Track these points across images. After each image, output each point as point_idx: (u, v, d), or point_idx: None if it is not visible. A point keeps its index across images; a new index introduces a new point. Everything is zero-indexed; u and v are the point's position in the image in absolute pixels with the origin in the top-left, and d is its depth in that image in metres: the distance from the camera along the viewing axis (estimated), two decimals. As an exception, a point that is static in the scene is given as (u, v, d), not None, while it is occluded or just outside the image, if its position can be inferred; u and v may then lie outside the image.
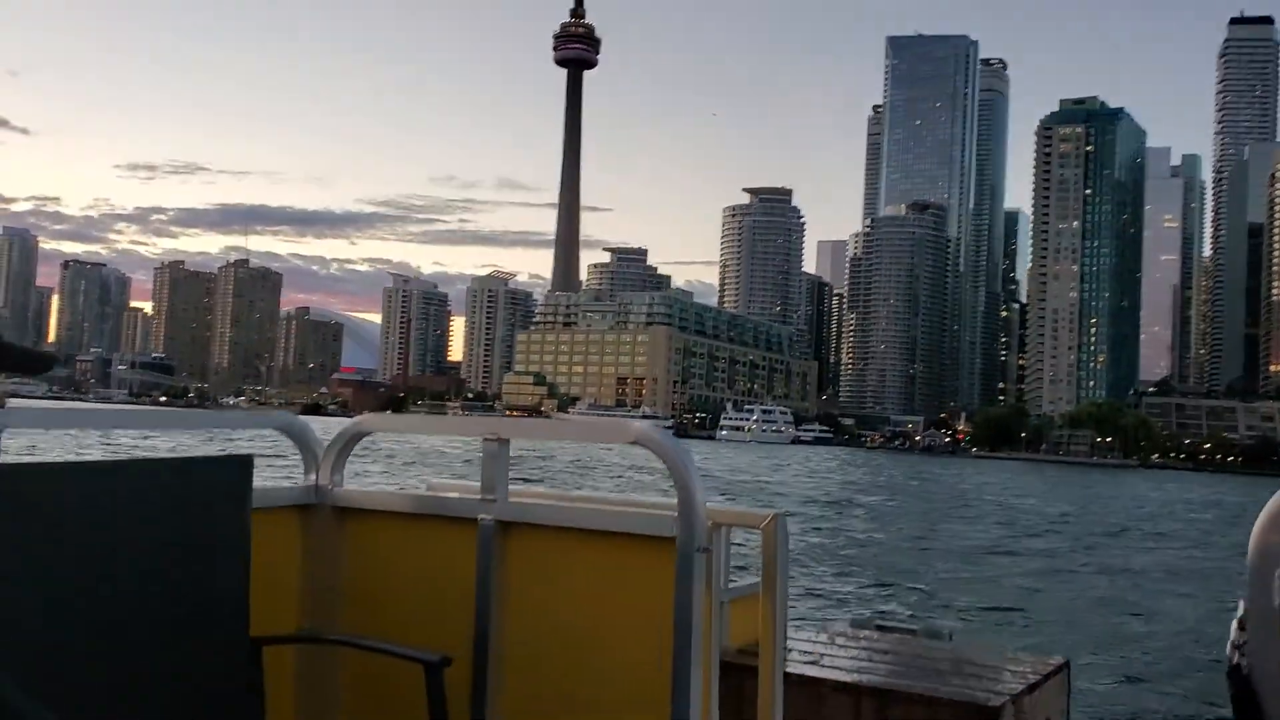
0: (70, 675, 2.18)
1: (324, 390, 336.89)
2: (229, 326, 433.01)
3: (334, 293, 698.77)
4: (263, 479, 2.77)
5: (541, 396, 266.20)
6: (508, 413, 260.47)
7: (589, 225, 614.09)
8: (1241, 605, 1.84)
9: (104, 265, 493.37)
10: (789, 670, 3.50)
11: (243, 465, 2.62)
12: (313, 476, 3.07)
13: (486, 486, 2.77)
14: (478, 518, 2.76)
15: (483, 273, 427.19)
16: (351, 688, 2.97)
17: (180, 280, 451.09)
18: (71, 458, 2.73)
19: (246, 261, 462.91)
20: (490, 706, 2.71)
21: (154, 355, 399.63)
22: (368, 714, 2.95)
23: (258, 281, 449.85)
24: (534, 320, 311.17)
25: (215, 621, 2.50)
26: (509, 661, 2.73)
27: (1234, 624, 1.86)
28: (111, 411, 2.72)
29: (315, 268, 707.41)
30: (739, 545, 2.98)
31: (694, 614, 2.36)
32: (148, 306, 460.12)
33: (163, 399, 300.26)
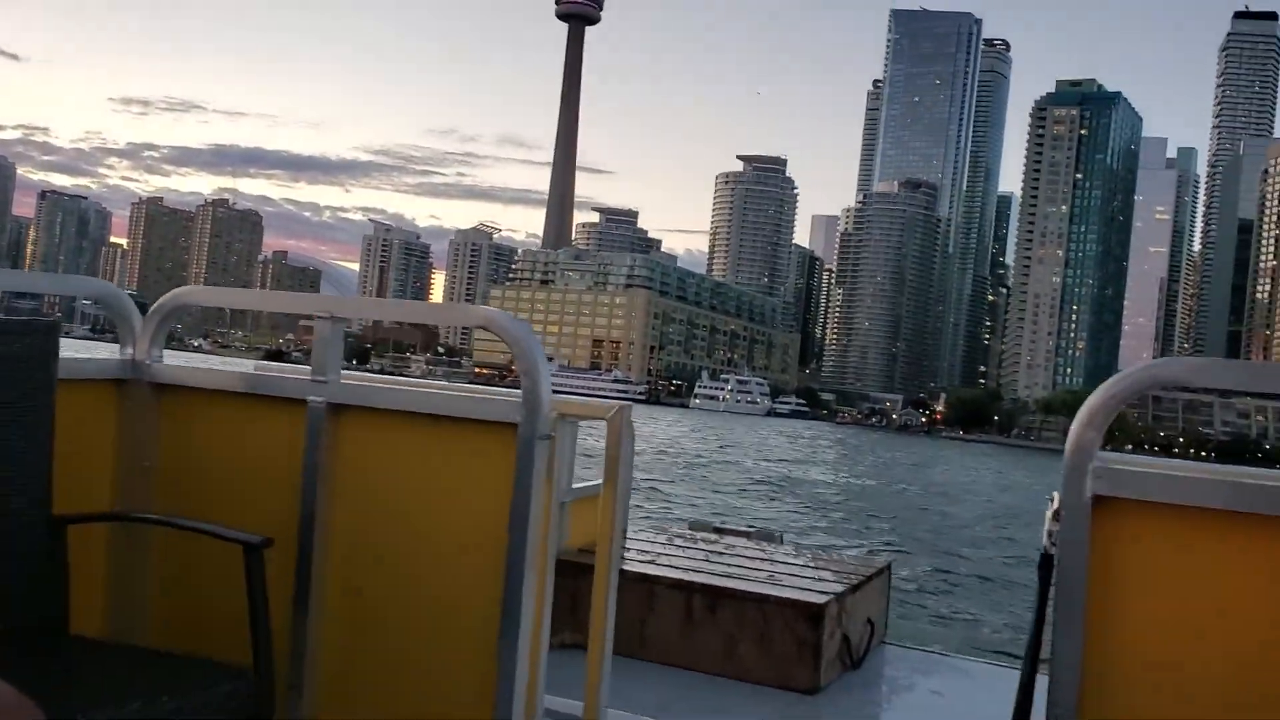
0: None
1: (290, 336, 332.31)
2: (204, 267, 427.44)
3: (325, 240, 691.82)
4: None
5: (512, 355, 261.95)
6: (477, 370, 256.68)
7: (589, 187, 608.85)
8: (1056, 498, 1.94)
9: (84, 198, 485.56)
10: (625, 568, 3.61)
11: (47, 331, 2.44)
12: (129, 350, 2.91)
13: (318, 367, 2.65)
14: (307, 399, 2.63)
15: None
16: (165, 570, 2.83)
17: (158, 217, 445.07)
18: None
19: (226, 202, 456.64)
20: (313, 592, 2.61)
21: (127, 292, 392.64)
22: (181, 597, 2.83)
23: (237, 223, 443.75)
24: (510, 276, 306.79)
25: (11, 495, 2.35)
26: (335, 547, 2.63)
27: (1048, 515, 1.95)
28: None
29: (308, 214, 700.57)
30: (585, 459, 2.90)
31: (532, 504, 2.31)
32: (126, 243, 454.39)
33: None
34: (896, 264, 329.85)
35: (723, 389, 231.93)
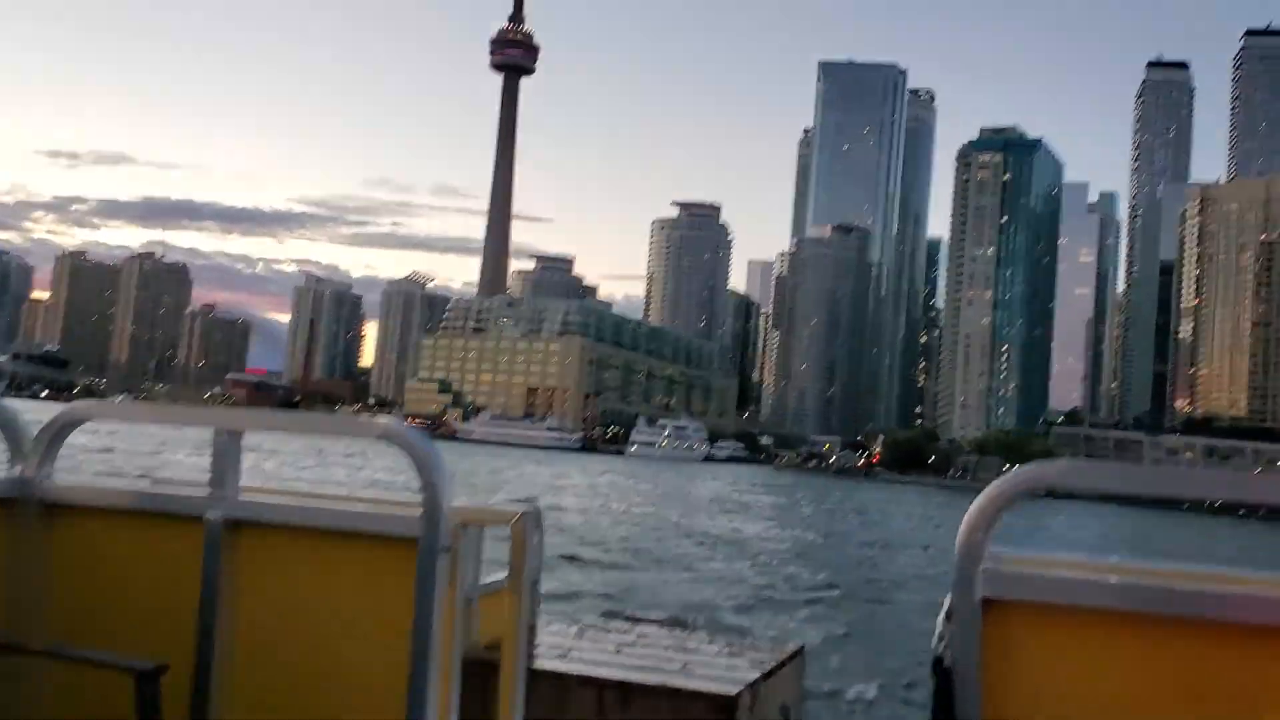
0: None
1: (216, 391, 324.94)
2: (130, 321, 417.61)
3: (258, 293, 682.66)
4: None
5: (445, 405, 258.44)
6: (409, 420, 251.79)
7: (525, 235, 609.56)
8: (948, 600, 1.99)
9: (5, 253, 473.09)
10: (537, 666, 3.64)
11: None
12: (18, 468, 2.80)
13: (215, 481, 2.61)
14: (205, 515, 2.59)
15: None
16: (56, 703, 2.70)
17: (82, 271, 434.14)
18: None
19: (153, 255, 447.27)
20: (211, 715, 2.54)
21: (46, 348, 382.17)
22: None
23: (165, 276, 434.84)
24: (442, 325, 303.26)
25: None
26: (234, 669, 2.56)
27: (940, 618, 2.00)
28: None
29: (240, 266, 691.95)
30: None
31: (434, 616, 2.32)
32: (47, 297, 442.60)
33: (44, 393, 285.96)
34: (831, 307, 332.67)
35: (660, 435, 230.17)
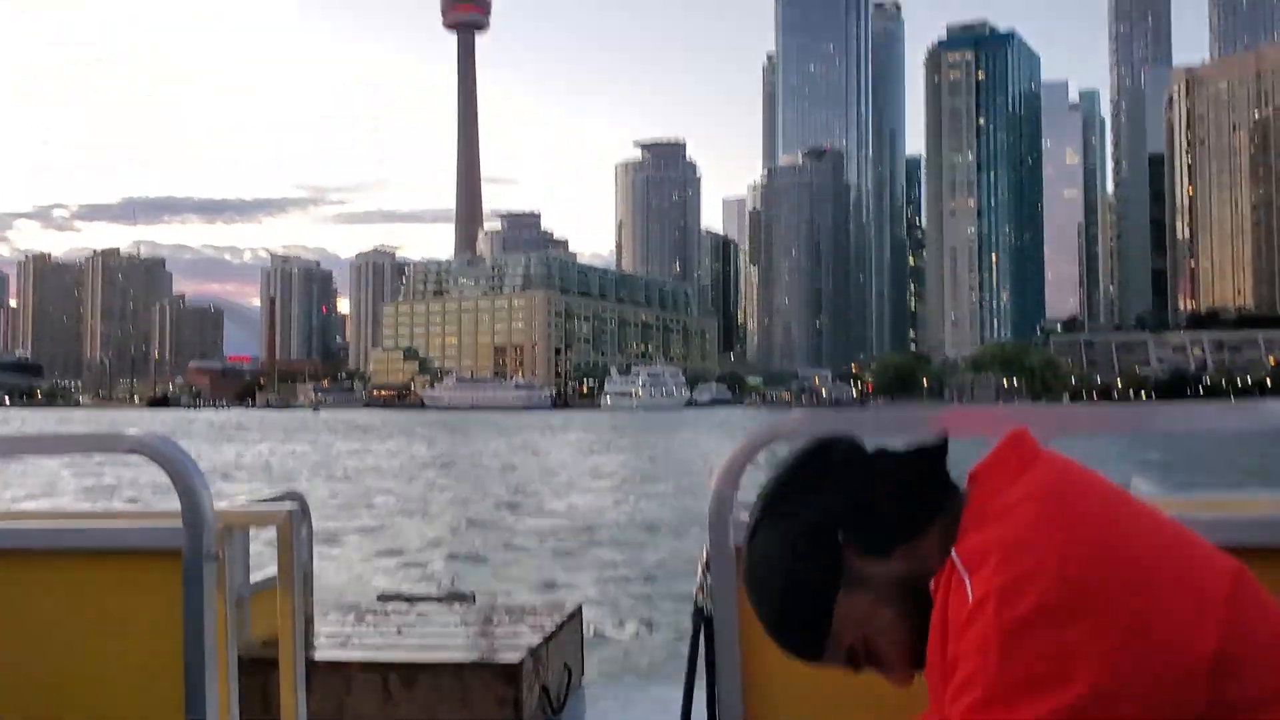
0: None
1: (179, 380, 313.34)
2: (100, 320, 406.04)
3: (248, 280, 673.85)
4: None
5: (413, 372, 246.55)
6: (375, 393, 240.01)
7: (496, 198, 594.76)
8: (705, 550, 2.00)
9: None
10: (318, 657, 3.59)
11: None
12: None
13: None
14: None
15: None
16: None
17: (46, 273, 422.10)
18: None
19: (117, 251, 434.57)
20: None
21: (17, 355, 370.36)
22: None
23: (133, 271, 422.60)
24: (403, 290, 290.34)
25: None
26: None
27: (699, 567, 2.02)
28: None
29: (228, 256, 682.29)
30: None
31: (205, 626, 2.21)
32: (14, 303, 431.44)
33: (6, 401, 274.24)
34: (810, 236, 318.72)
35: (634, 384, 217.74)
